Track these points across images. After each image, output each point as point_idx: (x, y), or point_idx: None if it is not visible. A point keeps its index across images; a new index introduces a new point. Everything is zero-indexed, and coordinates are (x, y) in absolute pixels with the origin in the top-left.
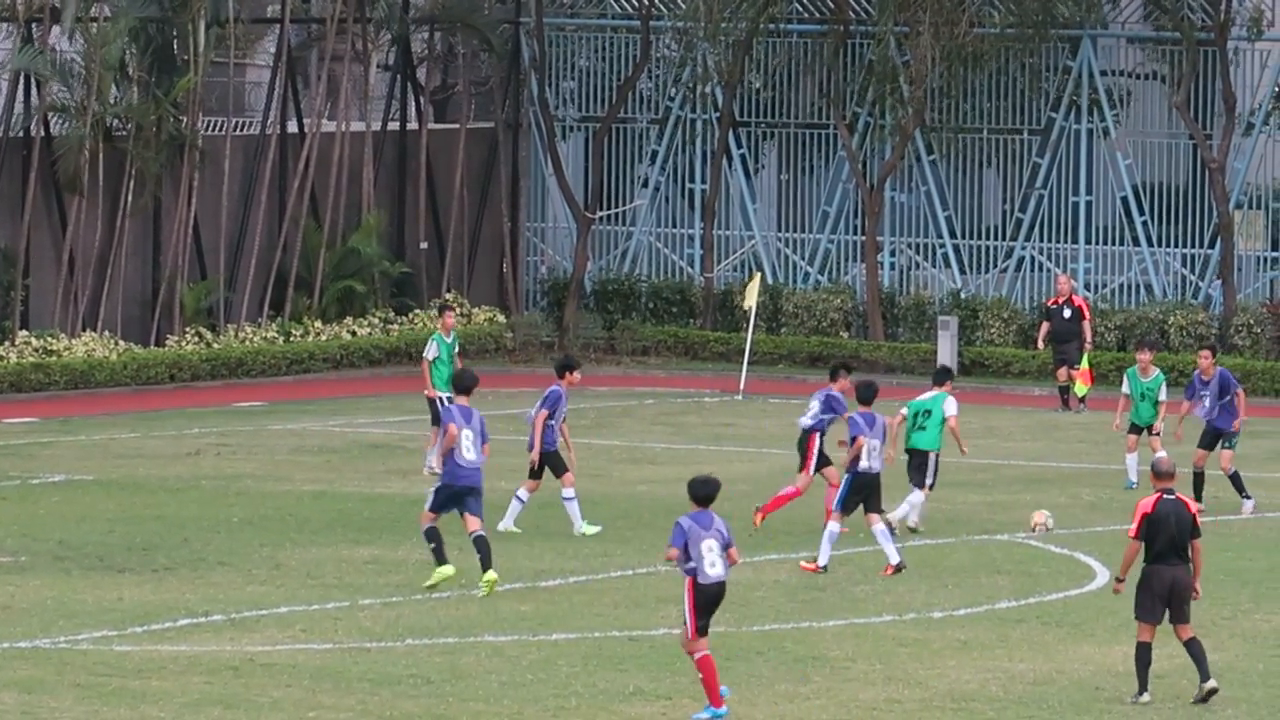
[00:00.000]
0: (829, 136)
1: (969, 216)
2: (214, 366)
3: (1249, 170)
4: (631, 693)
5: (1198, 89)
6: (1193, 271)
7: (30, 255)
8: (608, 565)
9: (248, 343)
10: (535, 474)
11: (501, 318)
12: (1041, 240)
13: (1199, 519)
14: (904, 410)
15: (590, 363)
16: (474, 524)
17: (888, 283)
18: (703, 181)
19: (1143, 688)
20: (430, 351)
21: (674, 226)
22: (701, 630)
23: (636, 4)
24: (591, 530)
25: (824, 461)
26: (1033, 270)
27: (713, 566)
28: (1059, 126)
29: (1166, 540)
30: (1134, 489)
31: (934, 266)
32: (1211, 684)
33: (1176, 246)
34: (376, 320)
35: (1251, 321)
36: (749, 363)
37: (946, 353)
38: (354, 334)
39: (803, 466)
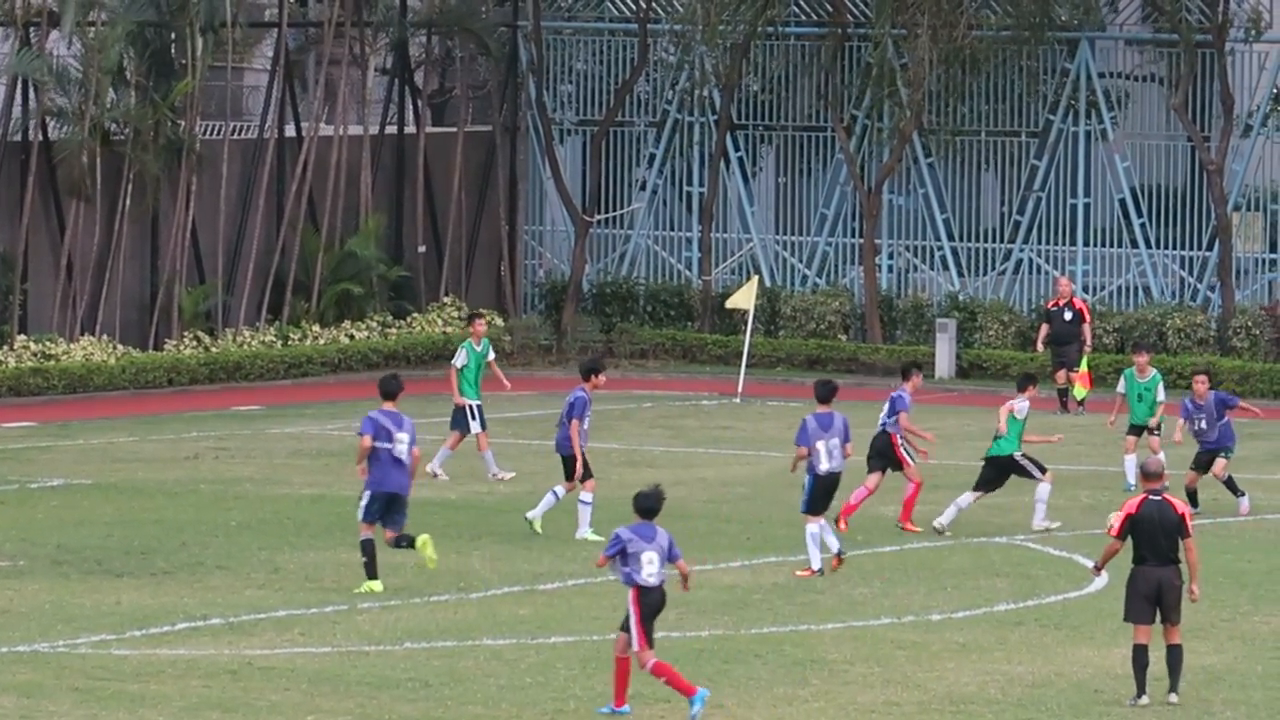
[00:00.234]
0: (827, 139)
1: (967, 219)
2: (212, 370)
3: (1247, 172)
4: (630, 696)
5: (1196, 91)
6: (1191, 274)
7: (28, 259)
8: (606, 569)
9: (246, 346)
10: (587, 474)
11: (500, 321)
12: (1040, 242)
13: (1189, 520)
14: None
15: None
16: (390, 536)
17: (886, 285)
18: (700, 184)
19: (1141, 690)
20: (459, 359)
21: (672, 229)
22: (650, 640)
23: (634, 7)
24: (594, 537)
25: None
26: (1031, 273)
27: (651, 576)
28: (1057, 129)
29: (1149, 541)
30: (1132, 491)
31: (932, 269)
32: (1174, 699)
33: (1175, 249)
34: (374, 324)
35: (1250, 323)
36: (747, 366)
37: (945, 356)
38: (352, 337)
39: (901, 467)
